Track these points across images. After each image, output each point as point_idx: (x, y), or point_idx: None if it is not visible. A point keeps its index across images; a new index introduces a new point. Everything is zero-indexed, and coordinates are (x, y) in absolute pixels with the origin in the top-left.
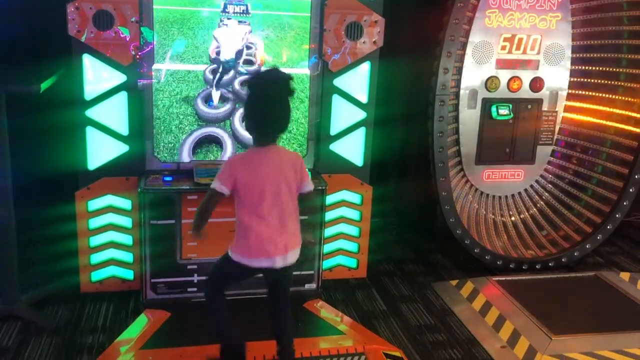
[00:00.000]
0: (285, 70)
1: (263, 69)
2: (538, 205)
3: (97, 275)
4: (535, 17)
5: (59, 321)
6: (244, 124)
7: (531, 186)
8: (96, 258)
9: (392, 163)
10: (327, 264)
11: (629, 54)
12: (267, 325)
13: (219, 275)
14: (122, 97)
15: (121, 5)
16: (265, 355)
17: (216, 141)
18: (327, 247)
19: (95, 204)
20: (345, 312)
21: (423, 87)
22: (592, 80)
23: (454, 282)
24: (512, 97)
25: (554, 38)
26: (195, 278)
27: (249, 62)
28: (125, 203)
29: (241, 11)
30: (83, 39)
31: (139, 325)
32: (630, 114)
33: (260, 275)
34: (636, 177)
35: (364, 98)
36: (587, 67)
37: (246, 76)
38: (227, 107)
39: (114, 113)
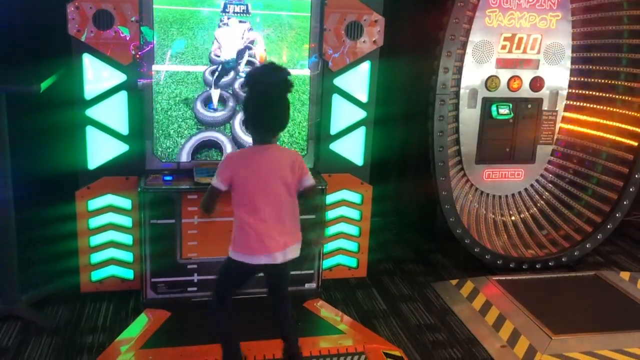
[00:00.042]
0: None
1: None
2: (538, 204)
3: (97, 275)
4: (535, 17)
5: (59, 321)
6: (243, 125)
7: (531, 185)
8: (96, 258)
9: (392, 162)
10: (327, 263)
11: (629, 54)
12: (267, 325)
13: (223, 279)
14: (122, 96)
15: (121, 4)
16: (266, 355)
17: (216, 146)
18: (327, 247)
19: (95, 203)
20: (345, 312)
21: (423, 86)
22: (592, 80)
23: (454, 282)
24: (512, 97)
25: (554, 37)
26: (196, 277)
27: (250, 64)
28: (125, 202)
29: (241, 11)
30: (83, 39)
31: (139, 325)
32: (630, 113)
33: (261, 274)
34: (636, 176)
35: (364, 97)
36: (587, 67)
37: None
38: (227, 110)
39: (114, 112)
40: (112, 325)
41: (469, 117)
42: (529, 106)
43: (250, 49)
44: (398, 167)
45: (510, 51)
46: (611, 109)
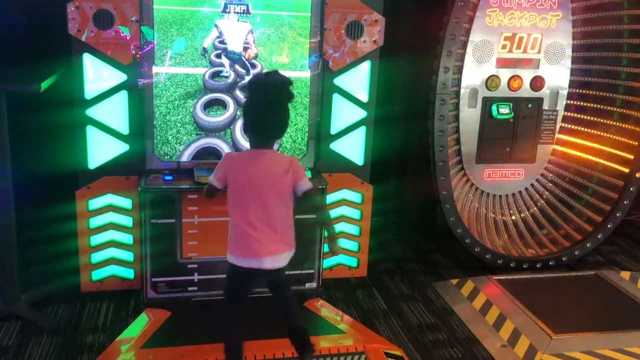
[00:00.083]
0: (286, 73)
1: (256, 63)
2: (538, 204)
3: (97, 275)
4: (535, 16)
5: (60, 320)
6: (243, 129)
7: (532, 185)
8: (96, 257)
9: (392, 162)
10: (327, 263)
11: (629, 53)
12: (267, 325)
13: (226, 280)
14: (122, 96)
15: (121, 4)
16: (266, 355)
17: (216, 153)
18: (327, 246)
19: (95, 203)
20: (345, 311)
21: (423, 86)
22: (593, 79)
23: (454, 281)
24: (512, 96)
25: (554, 37)
26: (196, 277)
27: (252, 66)
28: (125, 202)
29: (242, 11)
30: (83, 38)
31: (140, 325)
32: (630, 112)
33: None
34: (637, 175)
35: (364, 97)
36: (587, 66)
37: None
38: (228, 115)
39: (115, 112)
40: (112, 324)
41: (470, 116)
42: (530, 106)
43: (246, 49)
44: (398, 167)
45: (510, 51)
46: (612, 108)
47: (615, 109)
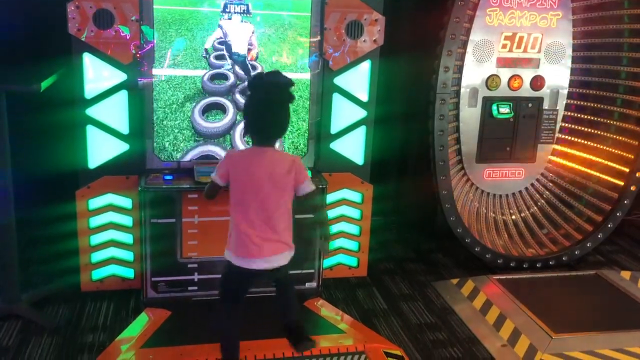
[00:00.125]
0: (285, 73)
1: (256, 65)
2: (539, 203)
3: (97, 274)
4: (536, 16)
5: (60, 320)
6: (244, 128)
7: (532, 185)
8: (97, 257)
9: (392, 162)
10: (327, 262)
11: (629, 52)
12: (267, 325)
13: (222, 278)
14: (122, 95)
15: (121, 4)
16: (266, 355)
17: (216, 160)
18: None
19: (95, 202)
20: (345, 311)
21: (424, 85)
22: (593, 79)
23: (454, 281)
24: (512, 96)
25: (554, 36)
26: (196, 277)
27: (253, 68)
28: (125, 202)
29: (242, 11)
30: (83, 38)
31: (140, 324)
32: (630, 112)
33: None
34: (637, 175)
35: (364, 97)
36: (588, 66)
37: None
38: (227, 120)
39: (115, 112)
40: (112, 324)
41: (470, 116)
42: (530, 105)
43: (250, 50)
44: (398, 166)
45: (510, 50)
46: (612, 108)
47: (615, 109)
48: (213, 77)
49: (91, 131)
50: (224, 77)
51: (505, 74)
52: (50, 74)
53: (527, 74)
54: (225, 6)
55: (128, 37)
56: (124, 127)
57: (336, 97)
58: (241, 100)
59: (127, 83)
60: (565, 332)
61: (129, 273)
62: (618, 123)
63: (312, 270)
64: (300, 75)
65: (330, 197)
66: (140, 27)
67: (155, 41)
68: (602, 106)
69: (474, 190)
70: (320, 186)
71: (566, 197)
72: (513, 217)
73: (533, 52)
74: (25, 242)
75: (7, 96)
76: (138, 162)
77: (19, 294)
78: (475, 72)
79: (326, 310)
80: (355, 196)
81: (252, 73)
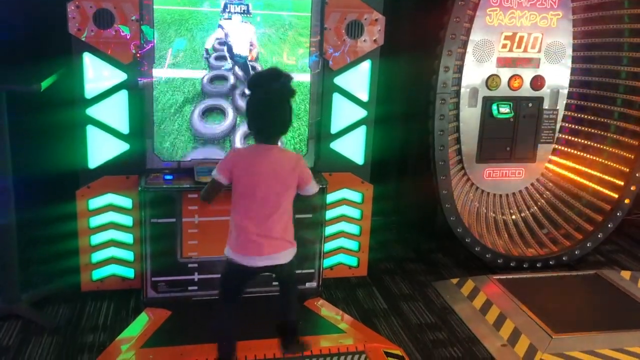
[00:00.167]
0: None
1: (256, 66)
2: (539, 203)
3: (97, 274)
4: (536, 15)
5: (60, 320)
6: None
7: (532, 184)
8: (97, 257)
9: (392, 161)
10: (327, 262)
11: (630, 52)
12: (267, 324)
13: (222, 276)
14: (122, 95)
15: (121, 3)
16: (266, 355)
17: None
18: (328, 246)
19: (95, 202)
20: (345, 311)
21: (424, 85)
22: (593, 79)
23: (454, 281)
24: (512, 96)
25: (554, 36)
26: (196, 276)
27: (253, 69)
28: (125, 202)
29: (242, 11)
30: (83, 38)
31: (140, 324)
32: (631, 112)
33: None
34: (637, 175)
35: (364, 96)
36: (588, 65)
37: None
38: (227, 124)
39: (115, 111)
40: (112, 324)
41: (470, 116)
42: (530, 105)
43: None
44: (398, 166)
45: (511, 50)
46: (612, 108)
47: (615, 109)
48: (213, 79)
49: (91, 131)
50: (224, 78)
51: (505, 73)
52: (51, 74)
53: (527, 74)
54: (226, 6)
55: (128, 37)
56: (124, 127)
57: (336, 97)
58: (241, 102)
59: (127, 83)
60: (566, 332)
61: (129, 273)
62: (618, 123)
63: (312, 270)
64: (301, 75)
65: (331, 197)
66: (140, 27)
67: (155, 41)
68: (602, 106)
69: (474, 190)
70: (321, 186)
71: (566, 197)
72: (513, 217)
73: (533, 52)
74: (25, 242)
75: (8, 96)
76: (138, 162)
77: (19, 294)
78: (475, 72)
79: (326, 310)
80: (355, 196)
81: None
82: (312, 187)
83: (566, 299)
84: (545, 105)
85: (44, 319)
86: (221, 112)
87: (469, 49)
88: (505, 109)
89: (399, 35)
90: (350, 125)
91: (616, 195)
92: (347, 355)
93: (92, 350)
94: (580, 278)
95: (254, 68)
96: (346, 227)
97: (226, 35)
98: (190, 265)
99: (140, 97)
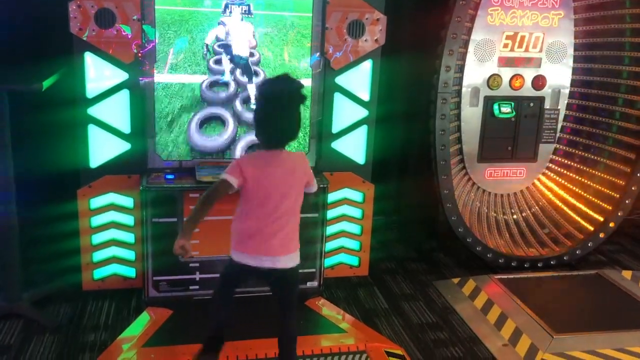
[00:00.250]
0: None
1: (259, 70)
2: (540, 203)
3: (99, 273)
4: (537, 15)
5: (61, 319)
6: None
7: (533, 184)
8: (98, 256)
9: (393, 161)
10: (328, 261)
11: (631, 52)
12: (264, 324)
13: (224, 281)
14: (124, 95)
15: (123, 3)
16: (267, 354)
17: (216, 161)
18: (329, 245)
19: (97, 201)
20: (347, 310)
21: (425, 85)
22: (595, 78)
23: (455, 280)
24: (514, 95)
25: (556, 36)
26: (197, 276)
27: (255, 74)
28: (127, 201)
29: (243, 11)
30: (85, 37)
31: (141, 323)
32: (632, 111)
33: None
34: (638, 175)
35: (365, 96)
36: (589, 65)
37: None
38: (227, 136)
39: (116, 111)
40: (114, 323)
41: (471, 115)
42: (531, 105)
43: (252, 55)
44: (400, 166)
45: (512, 49)
46: (614, 107)
47: (617, 108)
48: (212, 85)
49: (93, 130)
50: (224, 84)
51: (506, 73)
52: (52, 74)
53: (528, 74)
54: (226, 6)
55: (130, 37)
56: (125, 127)
57: (337, 97)
58: (242, 109)
59: (128, 82)
60: (567, 331)
61: (130, 272)
62: (620, 123)
63: (313, 270)
64: (302, 75)
65: (332, 197)
66: (141, 27)
67: (156, 41)
68: (603, 106)
69: (475, 190)
70: (322, 185)
71: (567, 196)
72: (514, 216)
73: (535, 51)
74: (26, 241)
75: (9, 96)
76: (139, 161)
77: (20, 293)
78: (476, 72)
79: (327, 309)
80: (356, 195)
81: (255, 77)
82: (315, 186)
83: (567, 299)
84: (547, 105)
85: (46, 318)
86: (221, 121)
87: (470, 48)
88: (506, 109)
89: (400, 34)
90: (352, 124)
91: (617, 195)
92: (348, 355)
93: (93, 350)
94: (581, 278)
95: (257, 73)
96: (347, 227)
97: (227, 33)
98: (191, 264)
99: (141, 96)
